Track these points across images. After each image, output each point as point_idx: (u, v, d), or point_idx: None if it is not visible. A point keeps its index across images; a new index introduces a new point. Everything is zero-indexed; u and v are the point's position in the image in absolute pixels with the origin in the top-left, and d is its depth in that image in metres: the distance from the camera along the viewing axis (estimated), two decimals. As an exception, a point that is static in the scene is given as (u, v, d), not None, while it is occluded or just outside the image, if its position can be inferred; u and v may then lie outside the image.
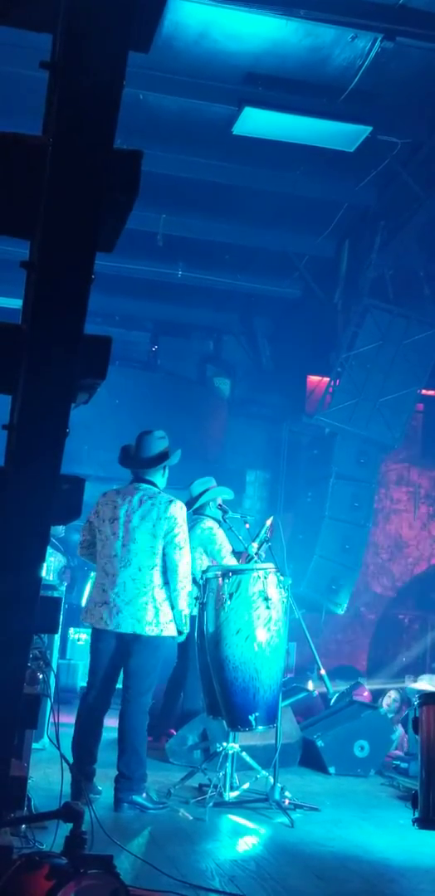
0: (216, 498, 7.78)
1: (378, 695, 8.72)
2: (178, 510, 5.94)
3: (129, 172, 1.76)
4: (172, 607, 5.86)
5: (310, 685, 8.10)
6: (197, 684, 7.13)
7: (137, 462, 6.07)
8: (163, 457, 6.07)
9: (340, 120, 8.08)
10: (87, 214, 1.77)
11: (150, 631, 5.77)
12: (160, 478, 6.11)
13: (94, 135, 1.67)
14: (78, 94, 1.62)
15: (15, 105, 7.34)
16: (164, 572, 5.87)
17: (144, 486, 6.02)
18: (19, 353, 2.03)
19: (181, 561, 5.87)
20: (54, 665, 7.07)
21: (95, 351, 2.07)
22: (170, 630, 5.85)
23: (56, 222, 1.78)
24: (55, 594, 7.45)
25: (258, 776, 6.11)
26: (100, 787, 5.89)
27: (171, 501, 5.95)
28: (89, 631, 6.29)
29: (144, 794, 5.77)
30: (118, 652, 5.88)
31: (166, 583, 5.87)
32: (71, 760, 5.44)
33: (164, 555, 5.87)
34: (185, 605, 5.88)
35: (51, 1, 1.63)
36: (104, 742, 6.01)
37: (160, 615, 5.80)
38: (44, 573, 7.81)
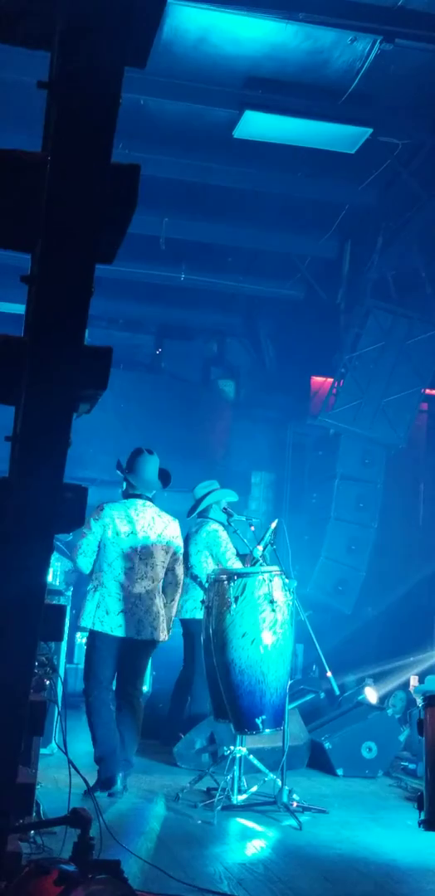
0: (220, 500, 7.78)
1: (385, 696, 8.71)
2: (179, 528, 6.57)
3: (128, 186, 1.78)
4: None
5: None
6: (204, 688, 7.14)
7: (155, 485, 6.45)
8: (168, 478, 6.47)
9: (341, 122, 8.10)
10: (87, 229, 1.78)
11: (163, 637, 6.32)
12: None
13: (92, 151, 1.69)
14: (75, 112, 1.64)
15: (18, 111, 7.38)
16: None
17: (149, 503, 6.43)
18: (21, 366, 2.04)
19: (182, 575, 6.59)
20: (61, 670, 7.09)
21: (96, 362, 2.08)
22: None
23: (55, 237, 1.79)
24: (61, 599, 7.48)
25: (266, 779, 6.12)
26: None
27: (176, 521, 6.50)
28: None
29: None
30: (121, 654, 6.25)
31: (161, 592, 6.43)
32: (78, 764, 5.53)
33: (169, 569, 6.42)
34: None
35: (46, 19, 1.66)
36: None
37: (166, 622, 6.36)
38: (49, 578, 7.84)
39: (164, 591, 6.39)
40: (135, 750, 6.28)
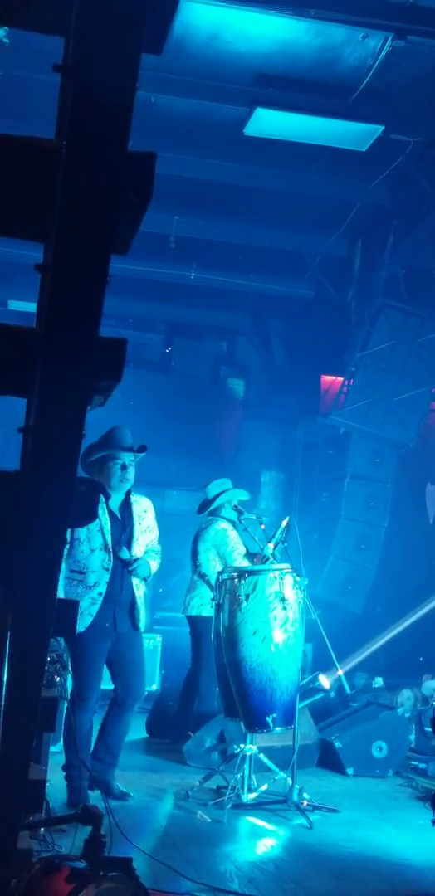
0: (232, 500, 7.74)
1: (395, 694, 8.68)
2: None
3: (143, 174, 1.76)
4: None
5: (322, 680, 8.04)
6: (210, 686, 7.12)
7: None
8: None
9: (352, 119, 8.08)
10: (102, 217, 1.76)
11: None
12: None
13: (107, 137, 1.67)
14: (91, 97, 1.62)
15: (27, 109, 7.36)
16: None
17: None
18: (34, 357, 2.02)
19: None
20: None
21: (110, 353, 2.06)
22: None
23: (70, 225, 1.78)
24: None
25: (276, 777, 6.09)
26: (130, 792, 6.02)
27: None
28: None
29: None
30: None
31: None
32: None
33: None
34: None
35: (63, 3, 1.64)
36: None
37: None
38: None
39: None
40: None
